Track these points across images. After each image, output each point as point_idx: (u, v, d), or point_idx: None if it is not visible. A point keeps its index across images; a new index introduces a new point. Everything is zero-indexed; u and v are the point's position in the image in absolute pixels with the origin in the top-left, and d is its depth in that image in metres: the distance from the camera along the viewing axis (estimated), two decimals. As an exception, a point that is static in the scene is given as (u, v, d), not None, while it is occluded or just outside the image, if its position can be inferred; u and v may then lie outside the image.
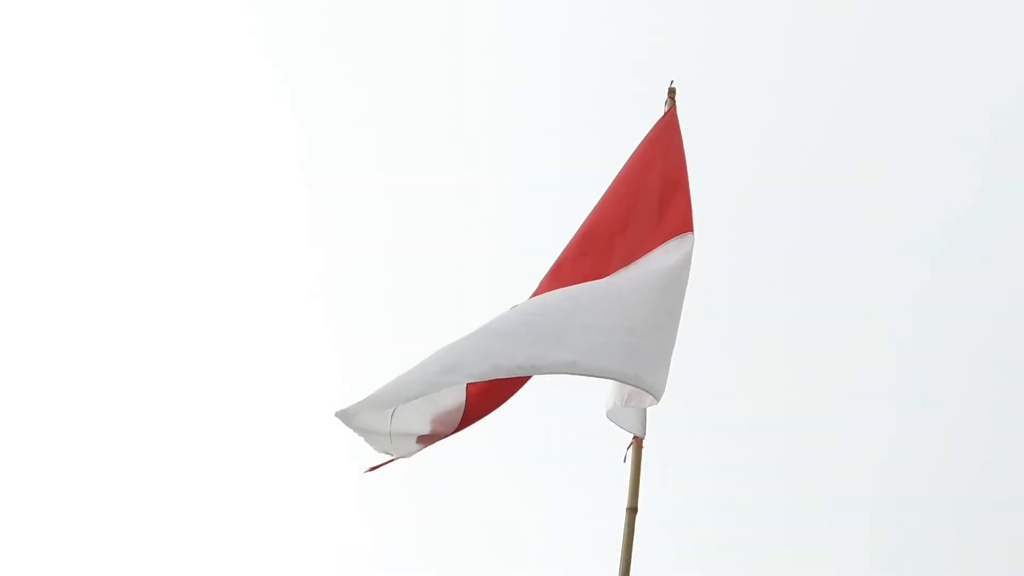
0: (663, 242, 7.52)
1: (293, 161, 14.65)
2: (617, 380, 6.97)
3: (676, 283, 7.33)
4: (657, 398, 6.97)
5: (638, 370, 6.90)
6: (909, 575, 12.64)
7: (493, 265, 12.85)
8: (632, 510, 7.16)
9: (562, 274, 7.54)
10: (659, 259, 7.44)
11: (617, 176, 7.87)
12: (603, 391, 7.48)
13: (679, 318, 7.31)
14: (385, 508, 13.20)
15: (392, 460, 7.21)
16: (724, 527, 12.73)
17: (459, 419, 7.28)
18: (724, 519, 12.76)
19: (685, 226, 7.57)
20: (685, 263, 7.41)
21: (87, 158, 14.75)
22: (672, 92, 7.99)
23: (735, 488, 12.87)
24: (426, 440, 7.26)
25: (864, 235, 13.82)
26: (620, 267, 7.49)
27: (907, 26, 14.27)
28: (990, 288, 13.44)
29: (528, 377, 7.24)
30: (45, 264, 14.48)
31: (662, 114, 8.01)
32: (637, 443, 7.28)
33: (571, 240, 7.72)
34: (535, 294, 7.56)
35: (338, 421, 6.79)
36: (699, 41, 14.35)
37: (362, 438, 7.01)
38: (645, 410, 7.28)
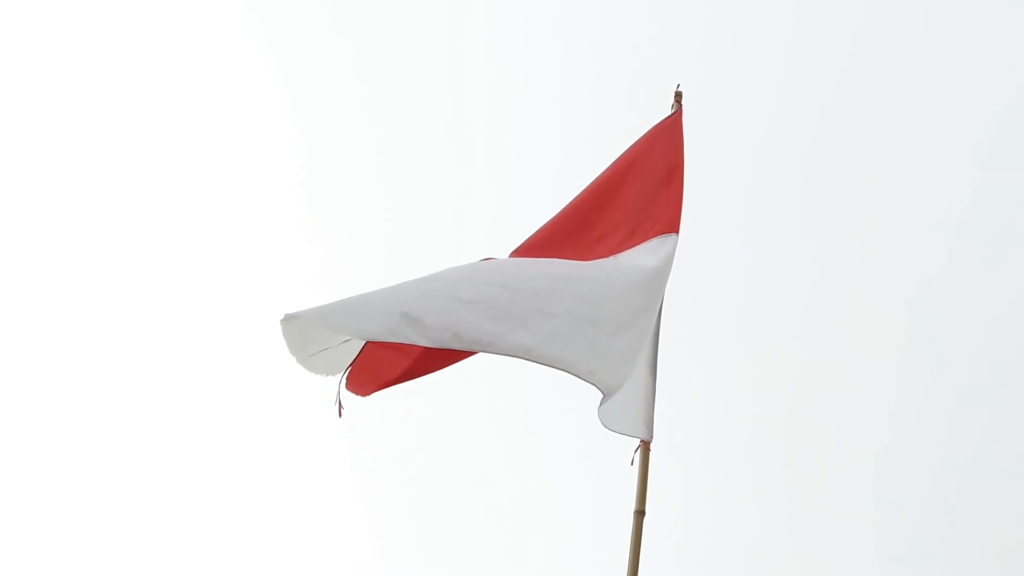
0: (646, 240, 7.51)
1: (293, 161, 14.65)
2: (570, 372, 6.82)
3: (652, 284, 7.29)
4: (609, 396, 6.88)
5: (593, 365, 6.82)
6: (914, 577, 12.70)
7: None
8: (640, 513, 7.17)
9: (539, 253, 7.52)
10: (639, 257, 7.42)
11: (610, 168, 7.87)
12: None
13: (652, 319, 7.28)
14: (387, 509, 13.24)
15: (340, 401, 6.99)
16: (731, 531, 12.76)
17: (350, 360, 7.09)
18: (731, 523, 12.78)
19: (671, 227, 7.56)
20: (666, 264, 7.39)
21: (87, 158, 14.75)
22: (679, 95, 8.00)
23: (743, 492, 12.89)
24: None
25: (865, 235, 13.84)
26: (601, 257, 7.49)
27: (907, 26, 14.29)
28: (992, 288, 13.48)
29: (466, 355, 7.16)
30: (45, 264, 14.49)
31: (666, 116, 8.03)
32: (644, 446, 7.28)
33: (552, 226, 7.69)
34: (513, 254, 7.55)
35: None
36: (701, 44, 14.37)
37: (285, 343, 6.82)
38: (652, 414, 7.28)
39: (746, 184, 13.71)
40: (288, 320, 6.67)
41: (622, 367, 6.97)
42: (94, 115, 14.80)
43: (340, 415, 6.96)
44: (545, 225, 7.72)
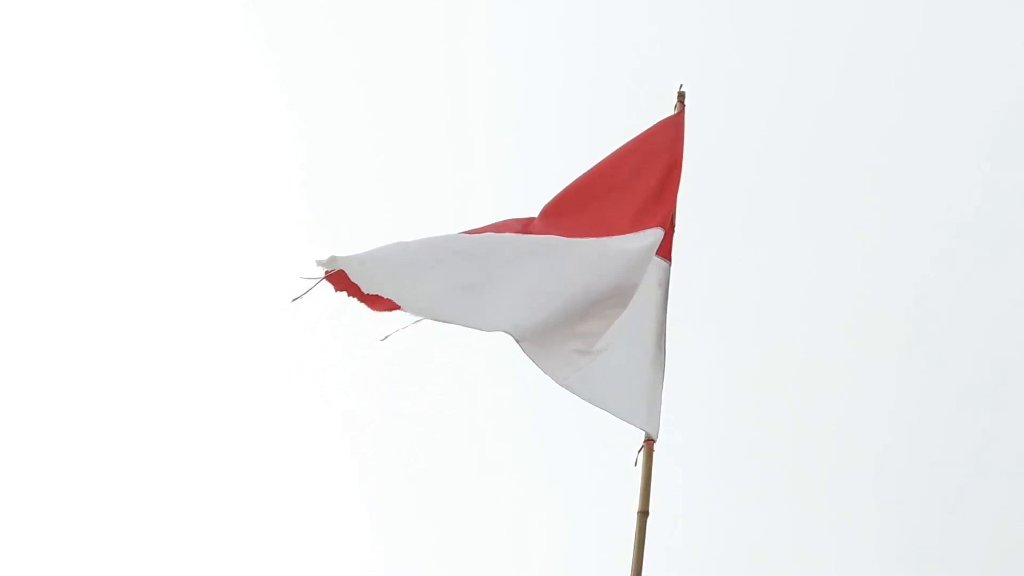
0: (642, 229, 7.56)
1: (293, 161, 14.65)
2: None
3: (631, 275, 7.40)
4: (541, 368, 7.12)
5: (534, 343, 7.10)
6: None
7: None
8: (643, 514, 7.17)
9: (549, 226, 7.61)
10: (629, 246, 7.49)
11: (617, 153, 7.89)
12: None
13: (624, 310, 7.39)
14: (388, 508, 13.24)
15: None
16: (732, 531, 12.76)
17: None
18: (732, 523, 12.78)
19: (663, 223, 7.60)
20: (647, 254, 7.46)
21: (87, 158, 14.75)
22: (682, 96, 8.00)
23: (744, 492, 12.90)
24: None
25: (865, 235, 13.86)
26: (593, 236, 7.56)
27: (907, 26, 14.30)
28: (992, 288, 13.49)
29: None
30: (45, 263, 14.49)
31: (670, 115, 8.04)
32: (648, 446, 7.27)
33: (565, 199, 7.74)
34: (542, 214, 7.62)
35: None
36: (701, 44, 14.38)
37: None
38: (659, 411, 7.29)
39: (746, 184, 13.72)
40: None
41: (581, 358, 7.21)
42: (94, 115, 14.81)
43: (293, 300, 6.95)
44: (561, 194, 7.77)
